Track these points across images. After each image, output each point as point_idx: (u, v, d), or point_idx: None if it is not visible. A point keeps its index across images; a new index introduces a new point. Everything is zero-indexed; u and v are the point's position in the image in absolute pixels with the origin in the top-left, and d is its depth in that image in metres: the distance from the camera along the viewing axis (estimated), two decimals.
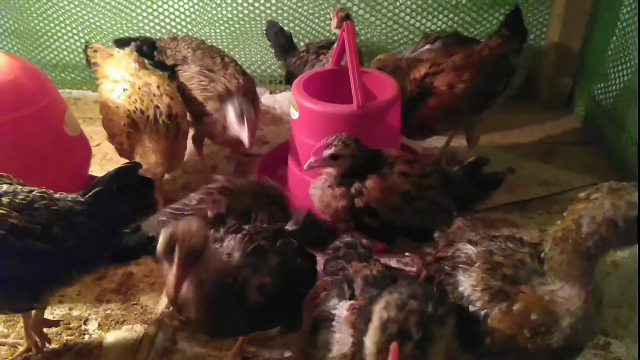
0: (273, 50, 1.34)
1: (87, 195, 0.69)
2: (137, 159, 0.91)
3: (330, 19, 1.13)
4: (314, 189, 0.82)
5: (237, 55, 1.48)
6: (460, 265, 0.62)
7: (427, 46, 1.25)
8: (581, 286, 0.53)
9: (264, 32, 1.35)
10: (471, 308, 0.59)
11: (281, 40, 1.29)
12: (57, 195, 0.68)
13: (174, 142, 0.93)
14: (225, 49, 1.40)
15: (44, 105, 0.86)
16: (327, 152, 0.77)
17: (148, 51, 1.22)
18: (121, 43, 1.23)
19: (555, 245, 0.54)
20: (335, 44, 1.05)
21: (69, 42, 1.52)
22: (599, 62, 1.31)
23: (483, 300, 0.58)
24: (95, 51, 1.10)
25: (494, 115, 1.16)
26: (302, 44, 1.36)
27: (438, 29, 1.46)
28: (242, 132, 0.99)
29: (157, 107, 0.93)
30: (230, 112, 1.00)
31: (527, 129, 1.34)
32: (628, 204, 0.51)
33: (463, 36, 1.31)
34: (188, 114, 1.06)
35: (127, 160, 0.94)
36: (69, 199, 0.68)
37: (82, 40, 1.50)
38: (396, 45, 1.50)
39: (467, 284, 0.60)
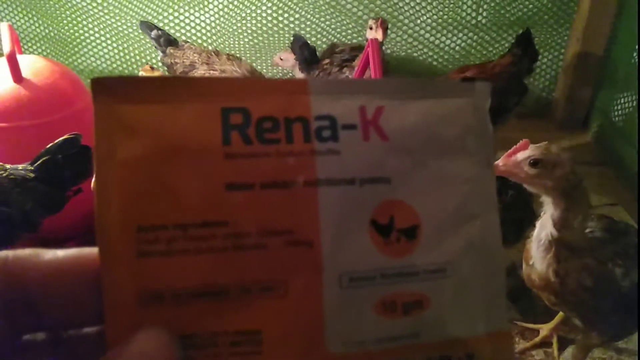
0: (297, 63, 1.37)
1: (36, 164, 0.76)
2: None
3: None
4: None
5: (259, 67, 1.51)
6: None
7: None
8: None
9: (289, 45, 1.38)
10: None
11: (305, 54, 1.32)
12: (7, 166, 0.75)
13: None
14: (248, 60, 1.44)
15: (80, 109, 0.89)
16: None
17: (164, 45, 1.27)
18: (146, 26, 1.28)
19: None
20: (359, 59, 1.08)
21: (97, 49, 1.57)
22: (616, 84, 1.33)
23: None
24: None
25: (511, 134, 1.17)
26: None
27: (457, 47, 1.49)
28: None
29: None
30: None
31: None
32: None
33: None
34: None
35: None
36: (20, 168, 0.75)
37: (111, 47, 1.55)
38: (415, 63, 1.53)
39: None
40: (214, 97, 0.22)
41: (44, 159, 0.76)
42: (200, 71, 1.13)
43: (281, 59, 1.39)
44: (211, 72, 1.11)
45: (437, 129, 0.24)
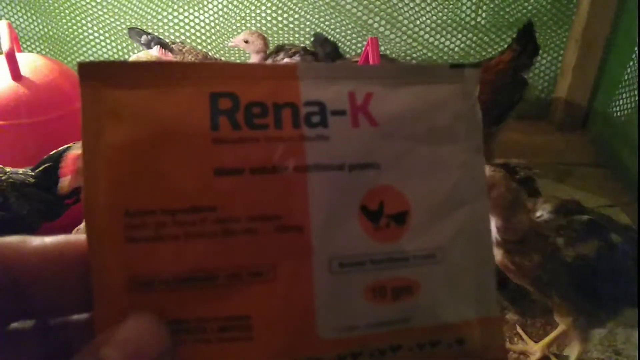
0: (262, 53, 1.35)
1: (37, 170, 0.75)
2: None
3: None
4: None
5: None
6: None
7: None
8: None
9: (311, 44, 1.37)
10: None
11: (327, 50, 1.32)
12: (8, 169, 0.75)
13: None
14: (248, 61, 1.44)
15: (79, 107, 0.88)
16: None
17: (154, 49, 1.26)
18: (135, 33, 1.26)
19: None
20: (360, 58, 1.08)
21: (96, 48, 1.57)
22: (615, 86, 1.33)
23: None
24: None
25: (511, 136, 1.18)
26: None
27: (456, 47, 1.49)
28: None
29: None
30: None
31: (542, 150, 1.36)
32: None
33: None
34: None
35: None
36: (20, 172, 0.75)
37: (109, 47, 1.55)
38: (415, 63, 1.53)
39: None
40: (202, 82, 0.22)
41: (46, 165, 0.76)
42: None
43: (246, 42, 1.31)
44: None
45: (426, 115, 0.24)
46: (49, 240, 0.22)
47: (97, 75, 0.22)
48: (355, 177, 0.23)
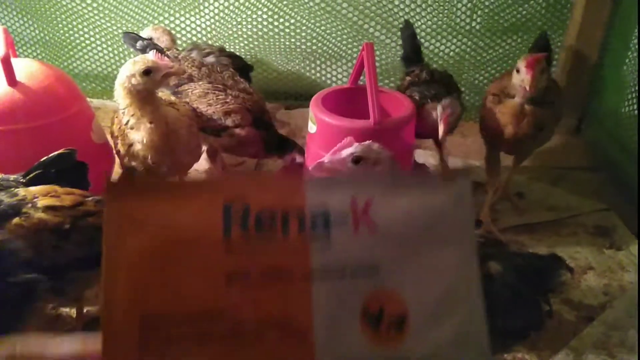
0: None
1: (29, 177, 0.76)
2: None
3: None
4: None
5: (255, 71, 1.51)
6: None
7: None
8: None
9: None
10: None
11: (408, 49, 1.23)
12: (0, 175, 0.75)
13: None
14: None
15: (74, 112, 0.89)
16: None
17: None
18: (129, 38, 1.26)
19: None
20: (356, 64, 1.08)
21: (92, 53, 1.57)
22: (609, 91, 1.34)
23: None
24: None
25: None
26: (320, 62, 1.39)
27: (451, 52, 1.50)
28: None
29: None
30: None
31: (537, 153, 1.35)
32: None
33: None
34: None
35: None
36: (12, 179, 0.75)
37: (106, 52, 1.56)
38: None
39: None
40: (216, 193, 0.25)
41: (37, 172, 0.76)
42: (203, 86, 1.11)
43: (150, 39, 1.26)
44: (215, 92, 1.08)
45: (422, 220, 0.26)
46: (66, 345, 0.24)
47: (124, 191, 0.24)
48: (356, 282, 0.25)
